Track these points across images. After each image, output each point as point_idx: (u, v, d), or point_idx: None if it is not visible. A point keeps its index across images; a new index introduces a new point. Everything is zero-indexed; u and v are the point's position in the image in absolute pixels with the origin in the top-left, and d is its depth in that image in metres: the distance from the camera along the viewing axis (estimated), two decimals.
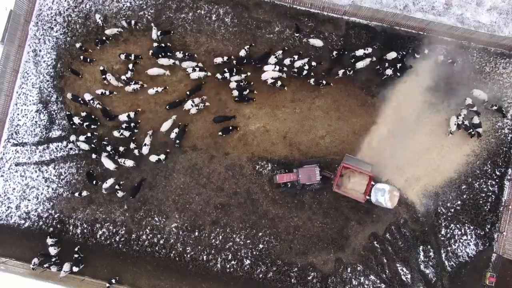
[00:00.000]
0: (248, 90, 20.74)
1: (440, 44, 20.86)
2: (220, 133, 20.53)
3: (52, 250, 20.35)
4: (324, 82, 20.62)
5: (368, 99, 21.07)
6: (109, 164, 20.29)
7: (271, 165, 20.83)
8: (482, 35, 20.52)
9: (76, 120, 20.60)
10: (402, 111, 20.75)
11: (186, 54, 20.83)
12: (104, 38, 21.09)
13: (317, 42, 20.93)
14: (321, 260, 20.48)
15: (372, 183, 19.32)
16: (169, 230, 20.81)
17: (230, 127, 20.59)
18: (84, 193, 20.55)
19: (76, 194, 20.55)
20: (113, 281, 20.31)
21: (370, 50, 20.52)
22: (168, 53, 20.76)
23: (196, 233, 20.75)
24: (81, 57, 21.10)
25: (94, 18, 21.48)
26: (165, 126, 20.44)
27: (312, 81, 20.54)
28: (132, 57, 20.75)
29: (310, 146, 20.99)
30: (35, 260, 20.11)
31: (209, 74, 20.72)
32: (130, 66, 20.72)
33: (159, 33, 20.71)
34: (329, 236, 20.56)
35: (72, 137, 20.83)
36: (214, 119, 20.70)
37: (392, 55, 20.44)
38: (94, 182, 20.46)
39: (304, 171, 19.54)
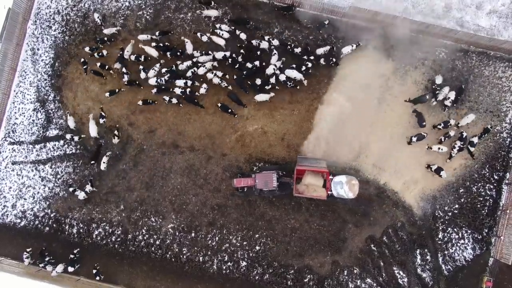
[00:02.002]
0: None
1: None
2: (219, 106, 20.48)
3: (81, 195, 20.44)
4: (334, 60, 20.60)
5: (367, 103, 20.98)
6: (93, 130, 20.43)
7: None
8: (482, 38, 20.48)
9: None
10: (400, 114, 20.77)
11: (203, 52, 20.95)
12: (105, 38, 21.04)
13: (211, 12, 20.94)
14: (317, 262, 20.41)
15: (330, 177, 19.06)
16: (165, 231, 20.74)
17: (230, 110, 20.52)
18: (80, 195, 20.51)
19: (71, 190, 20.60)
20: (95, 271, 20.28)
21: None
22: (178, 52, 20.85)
23: (193, 234, 20.67)
24: (82, 60, 21.06)
25: (92, 17, 21.43)
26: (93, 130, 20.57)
27: (322, 60, 20.53)
28: (142, 59, 20.76)
29: None
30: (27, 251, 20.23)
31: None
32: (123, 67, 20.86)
33: (157, 33, 20.82)
34: (326, 238, 20.49)
35: (68, 136, 20.78)
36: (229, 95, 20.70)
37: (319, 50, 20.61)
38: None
39: (261, 177, 19.38)
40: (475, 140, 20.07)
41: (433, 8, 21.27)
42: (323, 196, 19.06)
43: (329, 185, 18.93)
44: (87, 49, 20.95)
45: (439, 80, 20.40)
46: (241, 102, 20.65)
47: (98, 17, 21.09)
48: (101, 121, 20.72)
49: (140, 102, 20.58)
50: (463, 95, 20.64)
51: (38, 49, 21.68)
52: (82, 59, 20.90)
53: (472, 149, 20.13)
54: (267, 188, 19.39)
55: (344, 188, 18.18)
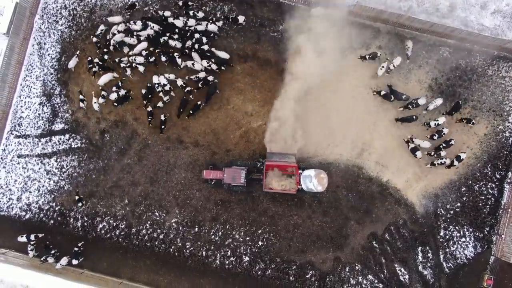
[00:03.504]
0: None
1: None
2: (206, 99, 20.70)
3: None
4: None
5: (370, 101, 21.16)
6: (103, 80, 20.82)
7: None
8: (486, 38, 20.60)
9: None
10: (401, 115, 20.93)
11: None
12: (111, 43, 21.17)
13: (115, 19, 21.09)
14: (319, 258, 20.56)
15: (300, 171, 19.24)
16: (169, 225, 20.90)
17: (199, 104, 20.75)
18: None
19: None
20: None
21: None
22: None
23: (196, 229, 20.83)
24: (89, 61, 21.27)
25: (99, 13, 21.57)
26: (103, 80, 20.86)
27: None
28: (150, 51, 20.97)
29: None
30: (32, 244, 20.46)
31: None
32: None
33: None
34: (328, 235, 20.64)
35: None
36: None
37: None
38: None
39: (230, 171, 19.69)
40: (463, 156, 20.17)
41: (438, 7, 21.39)
42: (293, 190, 19.31)
43: (298, 179, 19.12)
44: (94, 39, 21.10)
45: (422, 101, 20.31)
46: (209, 99, 20.84)
47: (101, 30, 21.15)
48: (122, 92, 20.87)
49: (149, 108, 20.76)
50: (460, 110, 20.66)
51: (44, 44, 21.83)
52: (89, 58, 21.10)
53: (456, 163, 20.23)
54: (234, 183, 19.73)
55: (313, 181, 18.21)
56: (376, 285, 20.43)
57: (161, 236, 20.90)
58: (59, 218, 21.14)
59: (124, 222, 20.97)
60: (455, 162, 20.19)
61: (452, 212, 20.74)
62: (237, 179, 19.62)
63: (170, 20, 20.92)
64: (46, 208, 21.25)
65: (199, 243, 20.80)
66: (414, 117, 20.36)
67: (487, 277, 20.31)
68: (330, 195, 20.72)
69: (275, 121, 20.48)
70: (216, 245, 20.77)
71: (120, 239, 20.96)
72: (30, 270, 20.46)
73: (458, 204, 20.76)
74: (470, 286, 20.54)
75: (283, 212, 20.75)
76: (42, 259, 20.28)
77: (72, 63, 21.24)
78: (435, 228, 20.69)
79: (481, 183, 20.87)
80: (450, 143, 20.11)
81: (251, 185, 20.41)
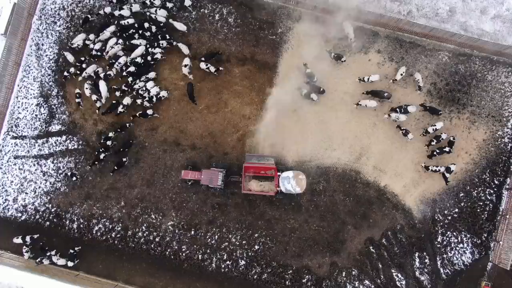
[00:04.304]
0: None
1: None
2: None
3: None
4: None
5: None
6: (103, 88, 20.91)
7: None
8: (485, 43, 20.50)
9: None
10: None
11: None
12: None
13: (78, 38, 21.18)
14: (316, 263, 20.46)
15: (278, 173, 19.11)
16: (165, 228, 20.81)
17: (194, 99, 21.03)
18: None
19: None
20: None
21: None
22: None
23: (192, 232, 20.75)
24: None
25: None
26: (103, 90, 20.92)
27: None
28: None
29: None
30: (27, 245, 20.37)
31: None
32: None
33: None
34: (325, 239, 20.53)
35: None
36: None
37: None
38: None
39: (207, 173, 19.55)
40: (453, 167, 20.04)
41: (437, 11, 21.30)
42: (272, 192, 19.25)
43: (277, 181, 19.02)
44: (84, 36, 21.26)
45: (412, 109, 20.16)
46: (193, 98, 20.84)
47: (68, 56, 21.28)
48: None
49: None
50: (437, 115, 20.54)
51: (42, 44, 21.78)
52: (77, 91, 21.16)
53: (448, 175, 20.11)
54: (212, 185, 19.61)
55: (291, 182, 18.13)
56: None
57: (157, 239, 20.82)
58: (55, 220, 21.07)
59: (120, 225, 20.90)
60: (446, 174, 20.08)
61: (450, 217, 20.63)
62: (214, 181, 19.47)
63: (116, 12, 20.80)
64: (42, 210, 21.19)
65: (195, 246, 20.71)
66: (321, 89, 20.35)
67: (485, 283, 20.17)
68: (327, 199, 20.64)
69: (264, 125, 20.59)
70: (212, 249, 20.68)
71: (116, 242, 20.88)
72: (25, 272, 20.40)
73: (456, 210, 20.65)
74: None
75: (280, 216, 20.66)
76: (37, 260, 20.21)
77: (70, 58, 21.22)
78: (432, 233, 20.57)
79: (479, 189, 20.74)
80: (444, 149, 19.99)
81: (229, 186, 20.32)
